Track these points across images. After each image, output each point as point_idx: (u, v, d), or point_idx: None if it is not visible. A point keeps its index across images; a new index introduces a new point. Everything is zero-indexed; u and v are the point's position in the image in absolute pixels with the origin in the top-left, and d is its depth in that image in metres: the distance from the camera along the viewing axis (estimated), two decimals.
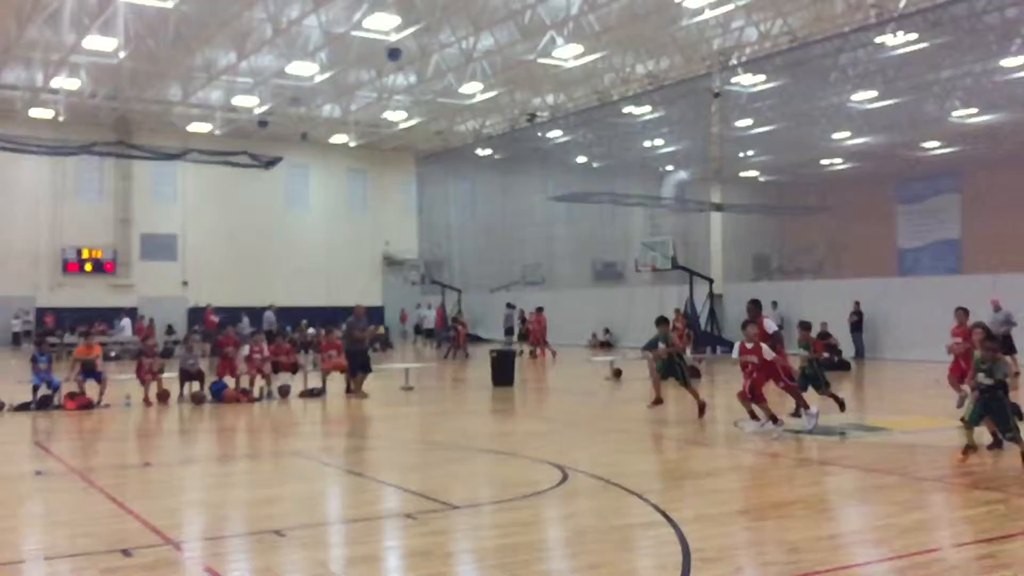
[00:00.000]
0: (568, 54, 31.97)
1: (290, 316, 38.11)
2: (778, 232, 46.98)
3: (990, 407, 9.10)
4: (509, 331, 34.27)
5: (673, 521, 6.93)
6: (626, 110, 37.77)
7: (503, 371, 19.09)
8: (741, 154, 41.77)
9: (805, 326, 13.72)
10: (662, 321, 13.77)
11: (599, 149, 43.81)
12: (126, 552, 6.23)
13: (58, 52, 29.84)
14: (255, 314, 36.90)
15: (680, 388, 13.37)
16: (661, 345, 13.25)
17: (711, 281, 30.59)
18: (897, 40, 26.82)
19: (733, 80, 32.24)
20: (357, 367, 17.05)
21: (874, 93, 33.02)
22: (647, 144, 42.47)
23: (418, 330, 40.35)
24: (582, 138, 41.86)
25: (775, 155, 42.95)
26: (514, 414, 15.32)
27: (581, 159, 45.02)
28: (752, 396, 11.40)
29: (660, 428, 11.37)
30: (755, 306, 13.49)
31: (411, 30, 28.93)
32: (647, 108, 37.42)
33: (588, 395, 18.61)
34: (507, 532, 6.91)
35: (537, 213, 41.97)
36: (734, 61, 31.32)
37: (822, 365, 13.35)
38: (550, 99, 39.00)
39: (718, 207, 38.28)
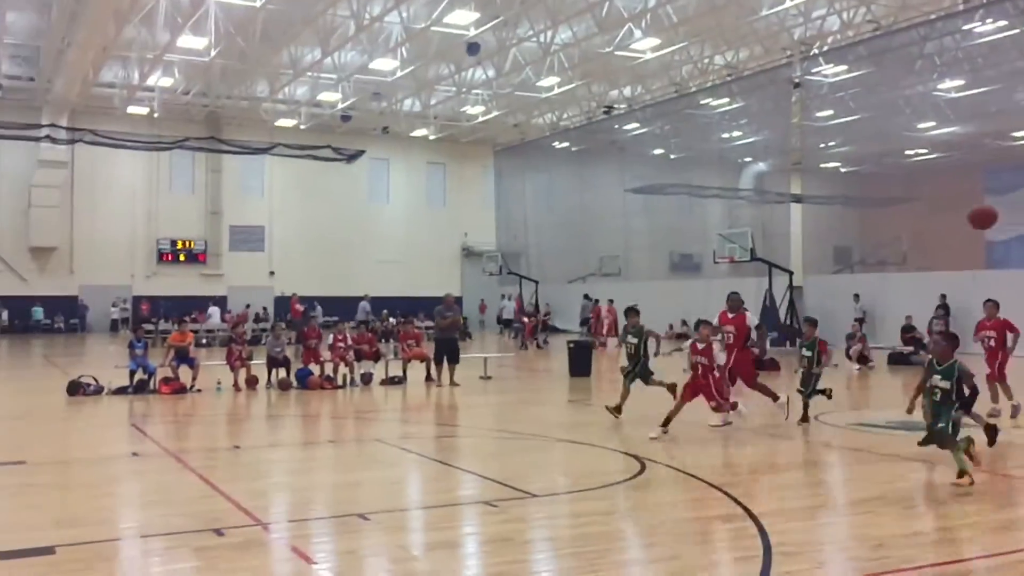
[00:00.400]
0: (645, 46, 31.80)
1: (373, 306, 38.77)
2: (860, 224, 45.84)
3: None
4: (585, 322, 34.29)
5: (752, 514, 6.92)
6: (704, 101, 37.37)
7: (580, 362, 19.19)
8: (822, 145, 40.94)
9: (811, 322, 12.82)
10: (631, 312, 12.95)
11: (676, 141, 43.44)
12: (218, 532, 6.50)
13: (153, 51, 30.90)
14: (342, 304, 37.78)
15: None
16: (694, 339, 11.43)
17: (791, 273, 30.04)
18: (986, 27, 25.94)
19: (814, 70, 31.64)
20: (446, 356, 17.33)
21: (961, 81, 32.05)
22: (725, 135, 41.95)
23: (499, 320, 40.67)
24: (659, 130, 41.56)
25: (857, 145, 41.96)
26: (590, 404, 15.37)
27: (658, 151, 44.69)
28: (685, 396, 10.92)
29: (738, 421, 11.30)
30: (738, 298, 12.91)
31: (489, 25, 29.15)
32: (725, 99, 36.97)
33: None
34: (585, 521, 7.01)
35: (614, 205, 41.80)
36: (815, 51, 30.70)
37: (812, 372, 11.93)
38: (627, 91, 38.81)
39: (798, 198, 37.56)
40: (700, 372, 10.94)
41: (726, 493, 7.73)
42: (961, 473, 7.82)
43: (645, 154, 43.95)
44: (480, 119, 42.91)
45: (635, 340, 12.36)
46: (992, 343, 12.71)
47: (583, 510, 7.44)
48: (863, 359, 21.58)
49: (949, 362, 8.17)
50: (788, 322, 29.07)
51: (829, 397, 12.02)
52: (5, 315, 38.87)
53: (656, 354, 12.97)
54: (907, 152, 42.51)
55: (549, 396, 17.14)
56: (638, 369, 12.32)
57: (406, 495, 8.46)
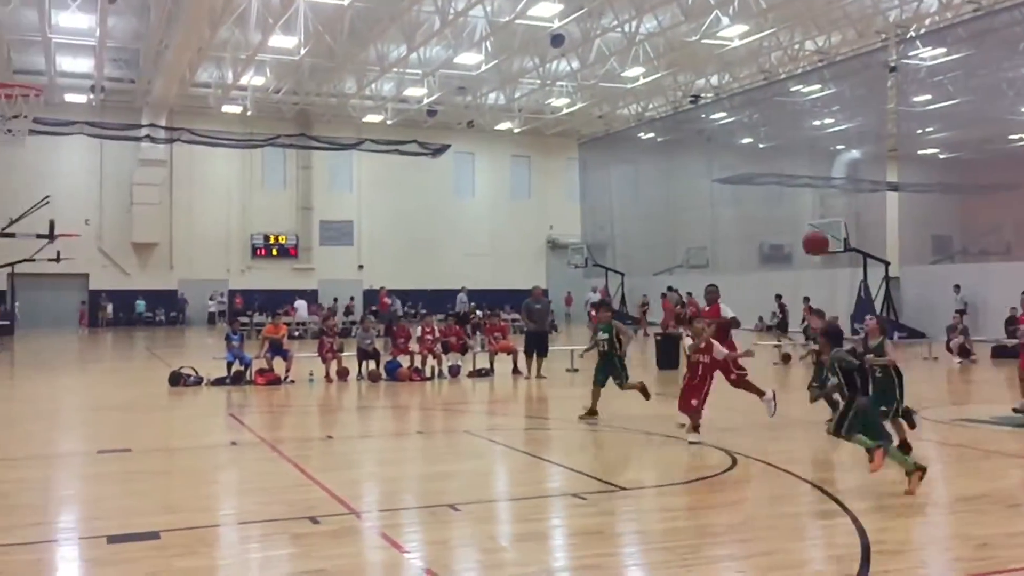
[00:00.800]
0: (733, 33, 31.24)
1: (453, 299, 39.16)
2: (960, 212, 44.00)
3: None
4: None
5: (849, 511, 6.75)
6: (794, 88, 36.51)
7: (668, 354, 19.00)
8: (919, 131, 39.45)
9: (818, 314, 12.09)
10: (602, 305, 12.37)
11: (765, 129, 42.50)
12: (314, 520, 6.66)
13: (246, 51, 31.74)
14: (429, 297, 38.23)
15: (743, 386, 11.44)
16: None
17: (887, 264, 29.15)
18: None
19: (911, 53, 30.55)
20: (535, 349, 17.37)
21: None
22: (816, 123, 40.87)
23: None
24: (747, 119, 40.75)
25: (957, 131, 40.24)
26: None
27: (746, 140, 43.83)
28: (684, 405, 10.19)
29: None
30: (714, 291, 12.50)
31: (573, 16, 29.06)
32: (816, 86, 36.03)
33: (756, 380, 18.22)
34: (675, 516, 6.95)
35: (701, 195, 41.18)
36: (912, 33, 29.65)
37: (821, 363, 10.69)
38: (714, 80, 38.20)
39: (894, 187, 36.34)
40: (700, 372, 10.17)
41: (821, 489, 7.56)
42: None
43: (733, 143, 43.16)
44: (565, 111, 42.81)
45: (605, 336, 11.68)
46: None
47: (673, 504, 7.37)
48: (964, 352, 20.82)
49: None
50: (884, 314, 28.28)
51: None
52: (110, 308, 40.60)
53: (624, 354, 11.98)
54: (1010, 137, 40.66)
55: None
56: (609, 369, 11.57)
57: (495, 486, 8.51)
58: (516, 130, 46.48)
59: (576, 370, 18.41)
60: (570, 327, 40.26)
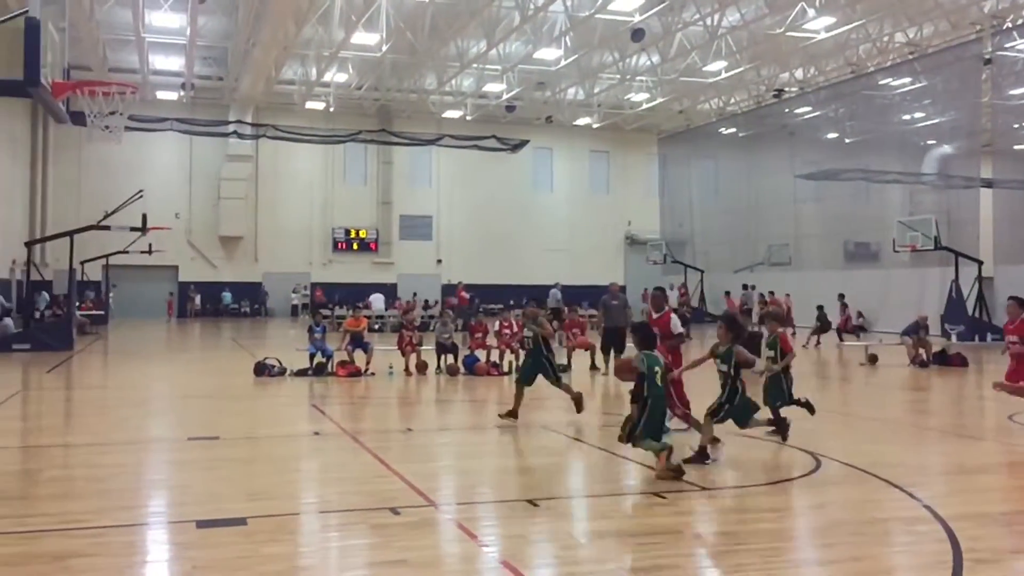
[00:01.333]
0: (819, 25, 30.54)
1: (537, 294, 39.14)
2: None
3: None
4: (748, 312, 33.31)
5: (940, 517, 6.53)
6: (883, 81, 35.51)
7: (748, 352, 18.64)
8: (1016, 125, 38.06)
9: (774, 317, 11.07)
10: (532, 302, 11.65)
11: (852, 124, 41.39)
12: (394, 510, 6.75)
13: (329, 49, 32.30)
14: (508, 291, 38.37)
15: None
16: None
17: (980, 263, 28.12)
18: None
19: (1007, 45, 29.42)
20: (612, 345, 17.28)
21: None
22: (906, 117, 39.64)
23: None
24: (833, 113, 39.79)
25: None
26: (759, 397, 14.93)
27: (832, 135, 42.79)
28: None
29: (922, 418, 10.67)
30: (660, 295, 11.51)
31: (655, 10, 28.79)
32: (907, 79, 34.98)
33: (841, 381, 17.84)
34: (757, 517, 6.82)
35: (783, 191, 40.37)
36: (1008, 24, 28.52)
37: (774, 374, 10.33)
38: (799, 73, 37.38)
39: (988, 183, 35.06)
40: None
41: (910, 494, 7.34)
42: None
43: (818, 138, 42.20)
44: (644, 106, 42.46)
45: (530, 333, 11.17)
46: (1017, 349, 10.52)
47: (755, 505, 7.24)
48: None
49: None
50: (977, 314, 27.32)
51: (811, 411, 10.25)
52: (198, 299, 41.85)
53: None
54: None
55: (717, 387, 16.77)
56: (537, 367, 10.98)
57: (572, 482, 8.50)
58: (595, 125, 46.28)
59: None
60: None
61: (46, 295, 27.60)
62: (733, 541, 6.22)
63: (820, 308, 26.06)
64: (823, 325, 25.65)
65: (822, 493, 7.71)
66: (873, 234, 38.52)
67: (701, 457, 8.60)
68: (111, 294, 37.62)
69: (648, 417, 8.01)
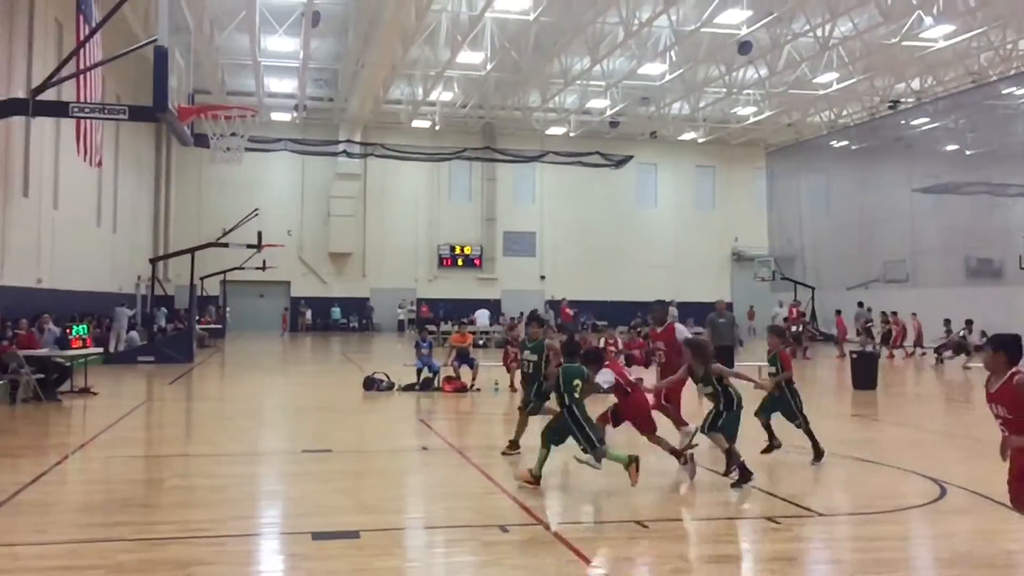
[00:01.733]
0: (937, 34, 29.43)
1: (639, 310, 38.77)
2: None
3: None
4: (868, 331, 32.20)
5: None
6: (1006, 91, 33.94)
7: (864, 373, 18.04)
8: None
9: (774, 331, 10.53)
10: (532, 321, 10.60)
11: (973, 135, 39.62)
12: (503, 528, 6.76)
13: (435, 68, 32.88)
14: (611, 308, 38.12)
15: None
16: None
17: None
18: None
19: None
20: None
21: None
22: None
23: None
24: (952, 124, 38.21)
25: None
26: (878, 420, 14.41)
27: (951, 147, 41.07)
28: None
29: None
30: (661, 308, 10.93)
31: (763, 22, 28.27)
32: None
33: (965, 403, 17.04)
34: (877, 546, 6.56)
35: (899, 206, 38.93)
36: None
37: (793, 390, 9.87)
38: (915, 84, 36.10)
39: None
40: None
41: None
42: None
43: (936, 150, 40.58)
44: (752, 119, 41.72)
45: (534, 357, 10.08)
46: None
47: (874, 533, 6.96)
48: None
49: None
50: None
51: (772, 448, 9.75)
52: (309, 314, 43.05)
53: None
54: None
55: (831, 409, 16.25)
56: (536, 394, 9.91)
57: (684, 505, 8.34)
58: (700, 140, 45.72)
59: (763, 387, 17.80)
60: (755, 342, 39.06)
61: (164, 310, 28.90)
62: (851, 570, 6.00)
63: (947, 322, 24.97)
64: (961, 344, 24.53)
65: (948, 522, 7.36)
66: (997, 250, 36.73)
67: (744, 475, 8.48)
68: (228, 308, 39.10)
69: (559, 425, 8.42)
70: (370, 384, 16.67)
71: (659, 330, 10.88)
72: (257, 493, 8.28)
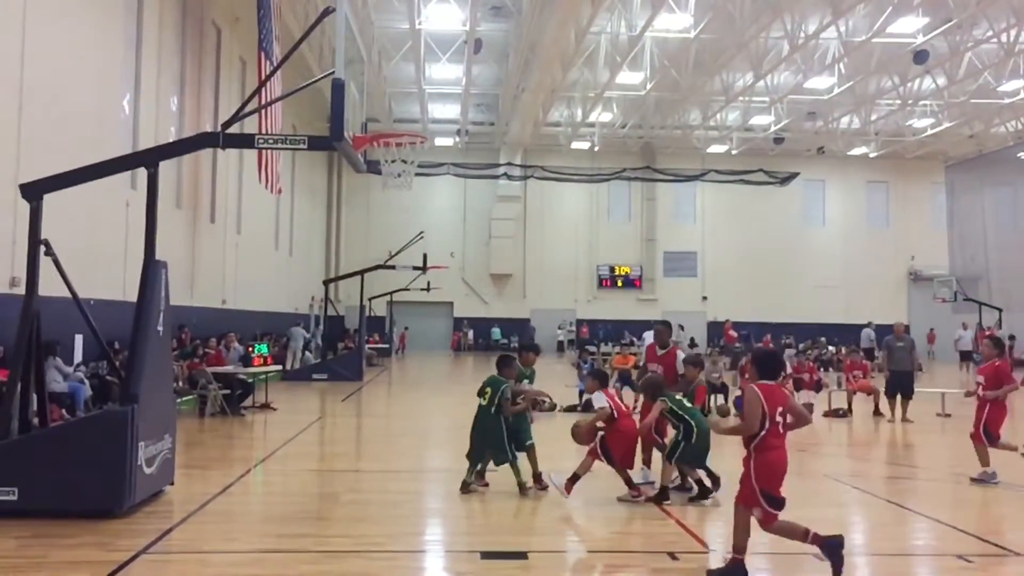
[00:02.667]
0: None
1: (807, 333, 37.55)
2: None
3: None
4: None
5: None
6: None
7: None
8: None
9: (694, 361, 9.70)
10: (531, 349, 10.13)
11: None
12: (672, 555, 6.63)
13: (594, 90, 32.99)
14: (775, 330, 36.99)
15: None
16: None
17: None
18: None
19: None
20: (898, 390, 16.10)
21: None
22: None
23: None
24: None
25: None
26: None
27: None
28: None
29: None
30: (664, 329, 10.25)
31: (940, 30, 26.82)
32: None
33: None
34: None
35: None
36: None
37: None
38: None
39: None
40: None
41: None
42: None
43: None
44: (928, 132, 39.54)
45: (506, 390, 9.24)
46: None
47: None
48: None
49: None
50: None
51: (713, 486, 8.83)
52: (471, 334, 43.92)
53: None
54: None
55: None
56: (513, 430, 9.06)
57: (863, 538, 7.91)
58: (872, 155, 43.74)
59: (948, 415, 16.76)
60: (934, 366, 36.83)
61: (303, 332, 29.40)
62: None
63: None
64: None
65: None
66: None
67: (661, 496, 8.62)
68: (395, 329, 40.46)
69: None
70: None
71: (660, 352, 10.25)
72: (426, 510, 8.46)
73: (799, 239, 45.06)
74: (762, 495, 6.07)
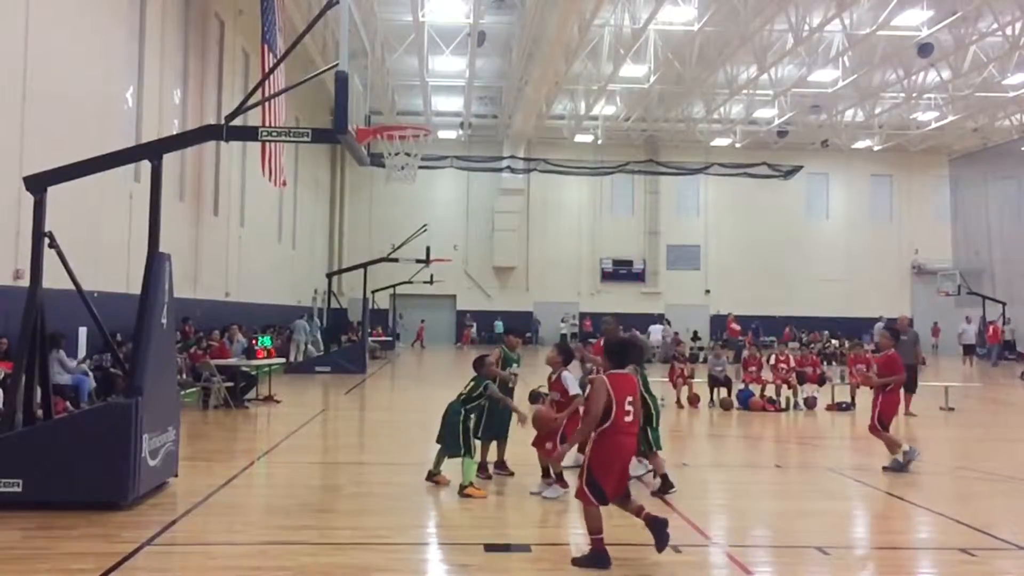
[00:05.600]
0: None
1: (808, 326, 37.49)
2: None
3: None
4: None
5: None
6: None
7: None
8: None
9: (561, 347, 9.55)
10: (511, 332, 10.02)
11: None
12: (675, 548, 6.62)
13: (598, 83, 32.93)
14: (779, 323, 36.91)
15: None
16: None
17: None
18: None
19: None
20: (903, 384, 16.05)
21: None
22: None
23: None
24: None
25: None
26: None
27: None
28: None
29: None
30: (613, 322, 10.40)
31: (946, 22, 26.73)
32: None
33: None
34: None
35: None
36: None
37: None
38: None
39: None
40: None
41: None
42: None
43: None
44: (933, 125, 39.45)
45: (519, 370, 9.53)
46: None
47: None
48: None
49: None
50: None
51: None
52: (474, 328, 43.89)
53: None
54: None
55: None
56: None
57: (866, 531, 7.94)
58: (876, 148, 43.66)
59: (951, 409, 16.76)
60: (939, 360, 36.81)
61: (306, 324, 29.35)
62: None
63: None
64: None
65: None
66: None
67: (665, 486, 8.66)
68: (399, 322, 40.45)
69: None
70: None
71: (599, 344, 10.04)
72: (430, 503, 8.46)
73: (802, 232, 45.04)
74: (588, 483, 6.11)
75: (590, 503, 6.16)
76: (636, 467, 9.11)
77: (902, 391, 15.98)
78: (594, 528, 6.17)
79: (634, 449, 6.47)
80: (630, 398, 6.15)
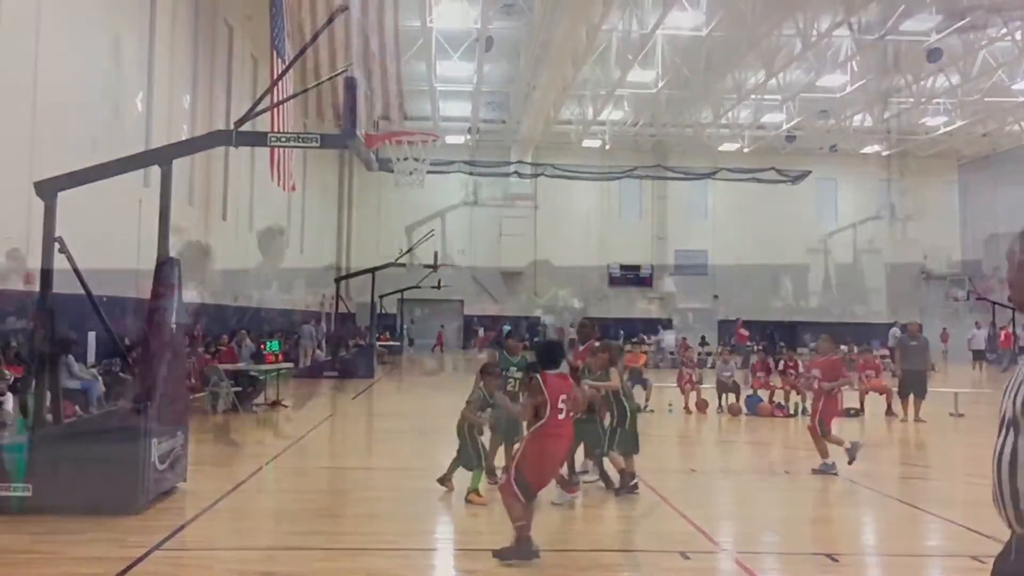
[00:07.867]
0: None
1: (818, 332, 37.21)
2: None
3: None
4: None
5: None
6: None
7: None
8: None
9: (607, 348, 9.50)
10: (511, 335, 9.89)
11: None
12: (684, 555, 6.61)
13: (606, 88, 32.93)
14: (787, 329, 36.84)
15: None
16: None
17: None
18: None
19: None
20: (912, 390, 16.04)
21: None
22: None
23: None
24: None
25: None
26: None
27: None
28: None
29: None
30: (588, 324, 10.28)
31: (954, 27, 26.69)
32: None
33: None
34: None
35: None
36: None
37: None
38: None
39: None
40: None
41: None
42: None
43: None
44: (942, 130, 39.34)
45: (519, 374, 9.27)
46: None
47: None
48: None
49: None
50: None
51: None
52: (481, 332, 43.86)
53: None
54: None
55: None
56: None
57: (876, 538, 7.90)
58: (884, 153, 43.56)
59: (962, 415, 16.68)
60: (948, 366, 36.63)
61: (312, 329, 29.40)
62: None
63: None
64: None
65: None
66: None
67: (628, 481, 8.64)
68: (407, 326, 40.45)
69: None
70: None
71: (582, 349, 10.08)
72: (438, 508, 8.46)
73: (811, 237, 44.90)
74: (516, 480, 6.14)
75: (516, 499, 6.21)
76: (558, 495, 8.33)
77: (911, 397, 16.02)
78: (517, 516, 6.21)
79: (566, 450, 6.63)
80: (563, 397, 6.31)
